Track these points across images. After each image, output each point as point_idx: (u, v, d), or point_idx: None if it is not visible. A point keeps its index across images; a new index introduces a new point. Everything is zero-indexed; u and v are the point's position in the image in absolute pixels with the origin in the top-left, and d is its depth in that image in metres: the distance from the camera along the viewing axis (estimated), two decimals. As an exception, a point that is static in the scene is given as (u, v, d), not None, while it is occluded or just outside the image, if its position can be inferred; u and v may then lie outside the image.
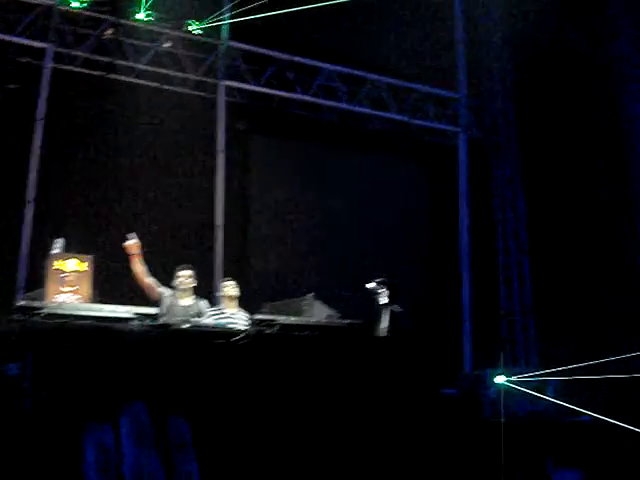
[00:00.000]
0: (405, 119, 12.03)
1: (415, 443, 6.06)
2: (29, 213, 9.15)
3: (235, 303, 7.48)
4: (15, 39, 9.61)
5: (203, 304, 7.43)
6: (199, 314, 7.20)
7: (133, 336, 5.56)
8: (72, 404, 4.98)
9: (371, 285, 7.22)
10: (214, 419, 5.55)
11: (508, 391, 6.95)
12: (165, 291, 7.26)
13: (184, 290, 7.35)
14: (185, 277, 7.34)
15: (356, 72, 11.69)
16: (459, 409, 6.94)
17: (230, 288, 7.53)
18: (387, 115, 11.95)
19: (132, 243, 7.04)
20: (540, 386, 7.86)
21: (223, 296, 7.57)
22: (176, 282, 7.34)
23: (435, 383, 6.67)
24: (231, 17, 10.53)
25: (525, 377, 7.01)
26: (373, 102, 11.84)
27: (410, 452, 6.02)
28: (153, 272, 7.25)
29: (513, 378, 6.88)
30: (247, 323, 6.92)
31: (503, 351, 11.33)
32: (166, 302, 7.14)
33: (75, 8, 9.84)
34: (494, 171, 12.61)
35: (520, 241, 12.24)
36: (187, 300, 7.34)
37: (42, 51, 9.71)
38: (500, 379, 6.98)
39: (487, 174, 12.60)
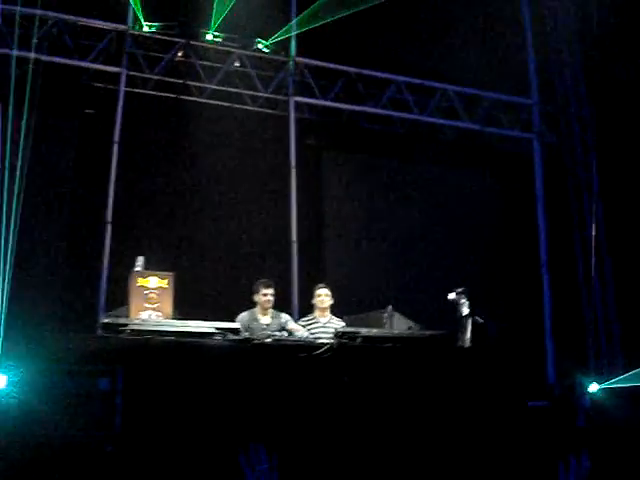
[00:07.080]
0: (477, 128, 11.83)
1: (505, 456, 5.92)
2: (108, 234, 9.31)
3: (328, 311, 7.52)
4: (89, 65, 9.84)
5: (286, 317, 7.43)
6: (281, 330, 7.21)
7: (218, 351, 5.59)
8: (162, 418, 5.02)
9: (452, 296, 7.10)
10: (298, 432, 5.52)
11: (602, 398, 6.75)
12: (240, 319, 7.20)
13: (265, 308, 7.35)
14: (269, 294, 7.35)
15: (426, 82, 11.51)
16: (552, 420, 6.74)
17: (324, 297, 7.55)
18: (459, 124, 11.78)
19: None
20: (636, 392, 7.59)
21: (316, 305, 7.60)
22: (259, 298, 7.35)
23: (522, 394, 6.52)
24: (298, 33, 10.60)
25: (618, 384, 6.79)
26: (444, 112, 11.70)
27: (500, 465, 5.88)
28: (232, 290, 7.27)
29: (605, 385, 6.68)
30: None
31: (593, 358, 11.01)
32: (244, 325, 7.05)
33: (147, 32, 10.03)
34: (570, 176, 12.30)
35: (600, 246, 11.89)
36: (266, 318, 7.34)
37: (116, 76, 9.89)
38: (594, 387, 6.78)
39: (563, 180, 12.30)
